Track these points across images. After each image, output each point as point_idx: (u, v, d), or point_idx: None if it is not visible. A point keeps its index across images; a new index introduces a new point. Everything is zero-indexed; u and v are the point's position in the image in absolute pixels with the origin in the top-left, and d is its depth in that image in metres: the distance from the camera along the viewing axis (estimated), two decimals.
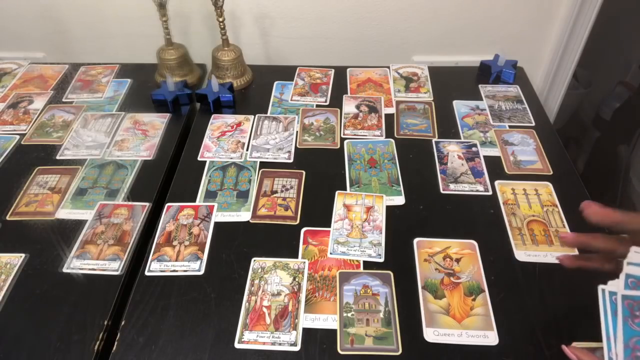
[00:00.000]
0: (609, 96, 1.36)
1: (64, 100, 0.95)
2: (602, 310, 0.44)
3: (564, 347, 0.49)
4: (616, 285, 0.44)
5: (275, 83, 1.00)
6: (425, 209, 0.72)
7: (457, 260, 0.65)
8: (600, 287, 0.45)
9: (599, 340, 0.55)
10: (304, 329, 0.57)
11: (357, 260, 0.65)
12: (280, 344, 0.56)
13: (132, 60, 1.06)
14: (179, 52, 0.97)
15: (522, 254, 0.66)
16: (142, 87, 0.98)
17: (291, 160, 0.81)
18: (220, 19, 0.91)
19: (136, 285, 0.62)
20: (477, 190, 0.75)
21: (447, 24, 1.06)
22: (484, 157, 0.81)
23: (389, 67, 1.04)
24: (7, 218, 0.71)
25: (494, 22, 1.06)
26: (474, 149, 0.83)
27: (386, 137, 0.86)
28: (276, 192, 0.75)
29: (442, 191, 0.75)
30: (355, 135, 0.86)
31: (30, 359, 0.55)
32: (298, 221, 0.70)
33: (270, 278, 0.63)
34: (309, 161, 0.81)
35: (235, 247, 0.67)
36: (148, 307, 0.60)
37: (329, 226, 0.70)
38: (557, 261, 0.64)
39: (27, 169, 0.79)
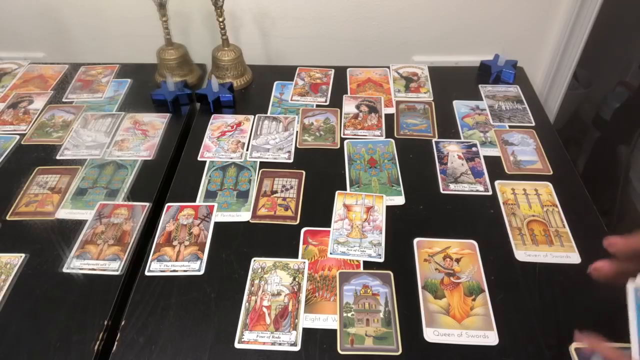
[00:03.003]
0: (609, 96, 1.36)
1: (64, 100, 0.95)
2: (630, 307, 0.44)
3: (576, 334, 0.49)
4: None
5: (275, 83, 1.00)
6: (425, 209, 0.72)
7: (457, 260, 0.65)
8: (629, 283, 0.44)
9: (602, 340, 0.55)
10: (304, 329, 0.57)
11: (357, 260, 0.65)
12: (280, 344, 0.56)
13: (132, 60, 1.06)
14: (179, 52, 0.97)
15: (522, 254, 0.65)
16: (142, 87, 0.98)
17: (291, 160, 0.81)
18: (220, 19, 0.91)
19: (136, 285, 0.62)
20: (477, 190, 0.75)
21: (447, 24, 1.06)
22: (484, 157, 0.81)
23: (389, 67, 1.04)
24: (7, 218, 0.71)
25: (494, 22, 1.06)
26: (474, 149, 0.83)
27: (386, 137, 0.86)
28: (276, 192, 0.75)
29: (442, 191, 0.75)
30: (355, 135, 0.86)
31: (30, 359, 0.55)
32: (298, 221, 0.70)
33: (270, 278, 0.63)
34: (309, 161, 0.81)
35: (235, 247, 0.67)
36: (148, 307, 0.60)
37: (329, 226, 0.70)
38: (557, 261, 0.64)
39: (27, 169, 0.79)
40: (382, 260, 0.65)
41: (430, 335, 0.57)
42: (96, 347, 0.55)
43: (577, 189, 0.76)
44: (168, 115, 0.91)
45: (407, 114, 0.91)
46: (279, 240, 0.68)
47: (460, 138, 0.85)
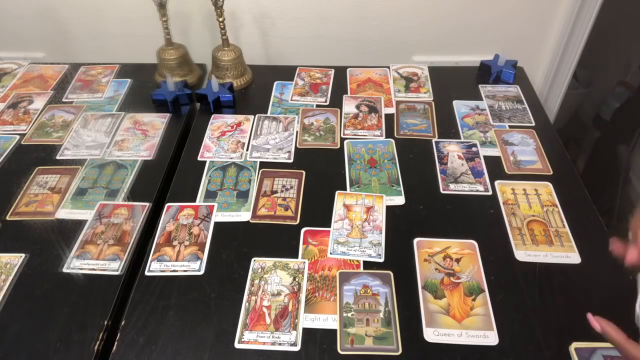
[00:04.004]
0: (609, 96, 1.36)
1: (64, 100, 0.95)
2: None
3: (589, 315, 0.47)
4: None
5: (275, 83, 1.00)
6: (425, 209, 0.72)
7: (457, 260, 0.65)
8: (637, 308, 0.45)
9: (602, 340, 0.55)
10: (304, 329, 0.57)
11: (357, 260, 0.65)
12: (280, 344, 0.56)
13: (132, 60, 1.06)
14: (179, 52, 0.97)
15: (522, 254, 0.65)
16: (142, 87, 0.98)
17: (291, 160, 0.81)
18: (220, 19, 0.91)
19: (136, 285, 0.62)
20: (477, 190, 0.75)
21: (447, 24, 1.06)
22: (484, 157, 0.81)
23: (389, 67, 1.04)
24: (7, 218, 0.71)
25: (494, 22, 1.06)
26: (474, 149, 0.83)
27: (386, 137, 0.86)
28: (276, 192, 0.75)
29: (442, 191, 0.75)
30: (355, 135, 0.86)
31: (30, 359, 0.55)
32: (298, 221, 0.70)
33: (270, 278, 0.63)
34: (309, 161, 0.81)
35: (235, 247, 0.67)
36: (148, 307, 0.60)
37: (329, 226, 0.70)
38: (557, 261, 0.65)
39: (27, 169, 0.79)
40: (382, 260, 0.65)
41: (430, 335, 0.57)
42: (96, 347, 0.55)
43: (577, 189, 0.76)
44: (168, 115, 0.91)
45: (407, 114, 0.91)
46: (279, 240, 0.68)
47: (460, 138, 0.85)
